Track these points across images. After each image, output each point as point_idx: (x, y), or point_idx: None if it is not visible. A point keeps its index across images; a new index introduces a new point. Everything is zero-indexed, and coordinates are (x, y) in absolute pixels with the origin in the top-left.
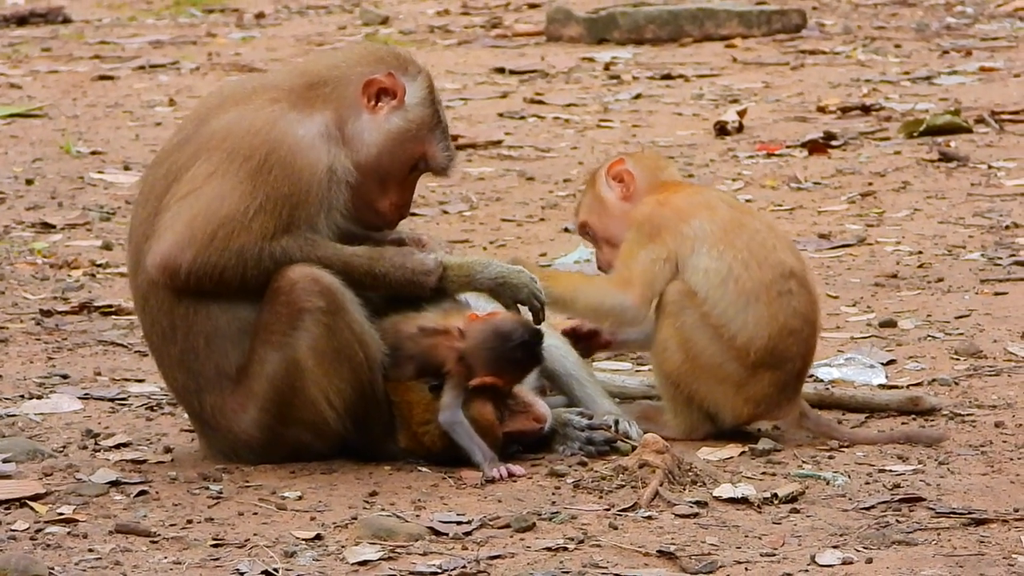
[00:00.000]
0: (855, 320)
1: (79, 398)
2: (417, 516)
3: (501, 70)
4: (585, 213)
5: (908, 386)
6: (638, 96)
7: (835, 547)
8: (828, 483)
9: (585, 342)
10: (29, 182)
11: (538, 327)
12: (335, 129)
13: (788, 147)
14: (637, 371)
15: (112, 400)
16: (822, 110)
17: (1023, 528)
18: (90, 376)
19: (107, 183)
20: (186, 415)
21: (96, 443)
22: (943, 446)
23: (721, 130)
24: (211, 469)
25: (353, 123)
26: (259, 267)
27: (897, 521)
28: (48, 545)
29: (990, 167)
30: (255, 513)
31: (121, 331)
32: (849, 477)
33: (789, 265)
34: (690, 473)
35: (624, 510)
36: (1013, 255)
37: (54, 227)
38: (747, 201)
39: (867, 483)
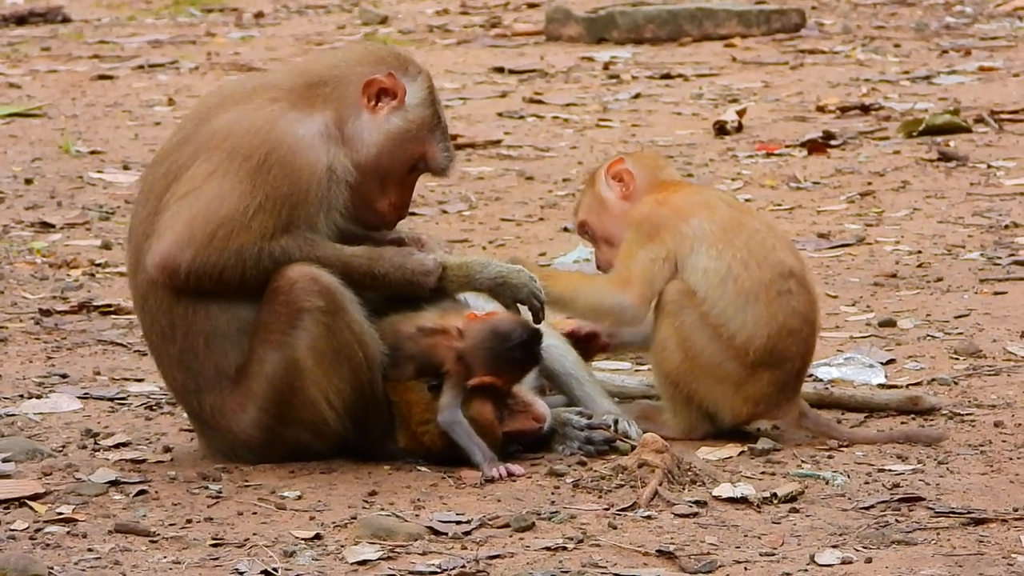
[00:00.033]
0: (854, 320)
1: (78, 398)
2: (416, 516)
3: (500, 70)
4: (584, 212)
5: (907, 386)
6: (637, 96)
7: (834, 547)
8: (827, 483)
9: (583, 345)
10: (28, 181)
11: (537, 327)
12: (335, 129)
13: (787, 147)
14: (636, 371)
15: (111, 400)
16: (821, 110)
17: (1022, 528)
18: (89, 376)
19: (106, 182)
20: (185, 415)
21: (95, 443)
22: (942, 446)
23: (720, 130)
24: (210, 469)
25: (353, 123)
26: (258, 267)
27: (896, 521)
28: (47, 545)
29: (989, 167)
30: (254, 513)
31: (120, 330)
32: (848, 477)
33: (788, 265)
34: (689, 473)
35: (623, 510)
36: (1012, 255)
37: (53, 226)
38: (746, 201)
39: (866, 483)
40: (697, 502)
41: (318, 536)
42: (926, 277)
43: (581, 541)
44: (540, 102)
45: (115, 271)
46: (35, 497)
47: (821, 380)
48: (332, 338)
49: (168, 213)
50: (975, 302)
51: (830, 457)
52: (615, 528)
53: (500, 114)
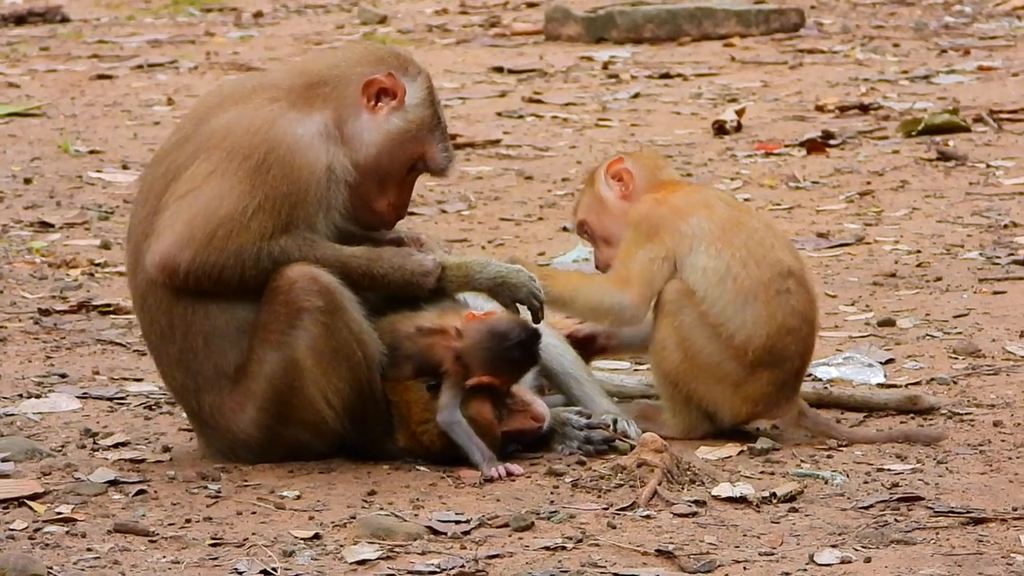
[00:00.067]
0: (853, 319)
1: (77, 397)
2: (416, 515)
3: (499, 69)
4: (583, 212)
5: (907, 385)
6: (636, 95)
7: (834, 546)
8: (827, 482)
9: (581, 347)
10: (27, 181)
11: (535, 327)
12: (334, 129)
13: (786, 146)
14: (635, 370)
15: (111, 399)
16: (820, 109)
17: (1021, 527)
18: (88, 375)
19: (105, 182)
20: (184, 414)
21: (95, 442)
22: (942, 445)
23: (719, 129)
24: (209, 468)
25: (352, 123)
26: (258, 267)
27: (896, 520)
28: (47, 544)
29: (988, 166)
30: (253, 512)
31: (119, 330)
32: (848, 476)
33: (787, 264)
34: (688, 472)
35: (622, 509)
36: (1011, 254)
37: (52, 226)
38: (745, 200)
39: (866, 482)
40: (696, 502)
41: (317, 536)
42: (925, 276)
43: (580, 541)
44: (539, 102)
45: (114, 271)
46: (34, 497)
47: (820, 380)
48: (331, 338)
49: (167, 213)
50: (974, 302)
51: (829, 457)
52: (614, 528)
53: (499, 114)
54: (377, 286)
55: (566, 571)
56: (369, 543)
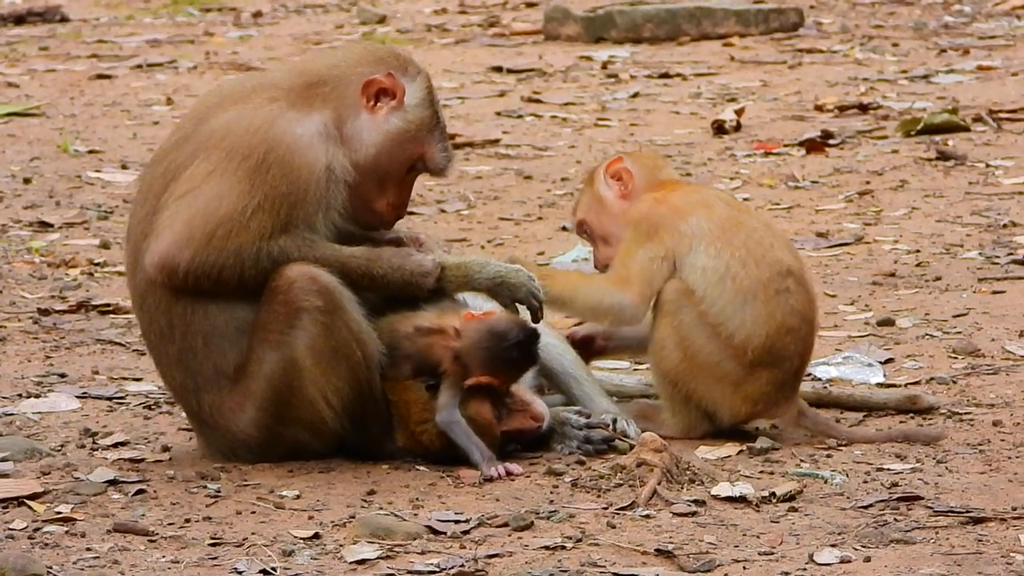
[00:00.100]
0: (853, 319)
1: (77, 397)
2: (415, 515)
3: (499, 69)
4: (583, 211)
5: (906, 385)
6: (636, 95)
7: (833, 546)
8: (826, 482)
9: (580, 348)
10: (27, 181)
11: (534, 326)
12: (334, 128)
13: (786, 146)
14: (635, 370)
15: (110, 399)
16: (820, 109)
17: (1021, 527)
18: (88, 375)
19: (105, 182)
20: (184, 414)
21: (94, 442)
22: (941, 445)
23: (719, 129)
24: (209, 468)
25: (352, 123)
26: (257, 267)
27: (895, 520)
28: (46, 544)
29: (988, 166)
30: (253, 512)
31: (119, 330)
32: (847, 476)
33: (787, 263)
34: (688, 472)
35: (622, 509)
36: (1011, 254)
37: (52, 226)
38: (745, 200)
39: (865, 482)
40: (696, 501)
41: (317, 535)
42: (924, 276)
43: (580, 540)
44: (538, 101)
45: (114, 270)
46: (34, 496)
47: (820, 379)
48: (330, 337)
49: (167, 213)
50: (973, 301)
51: (829, 456)
52: (614, 527)
53: (498, 113)
54: (376, 286)
55: (565, 571)
56: (369, 543)
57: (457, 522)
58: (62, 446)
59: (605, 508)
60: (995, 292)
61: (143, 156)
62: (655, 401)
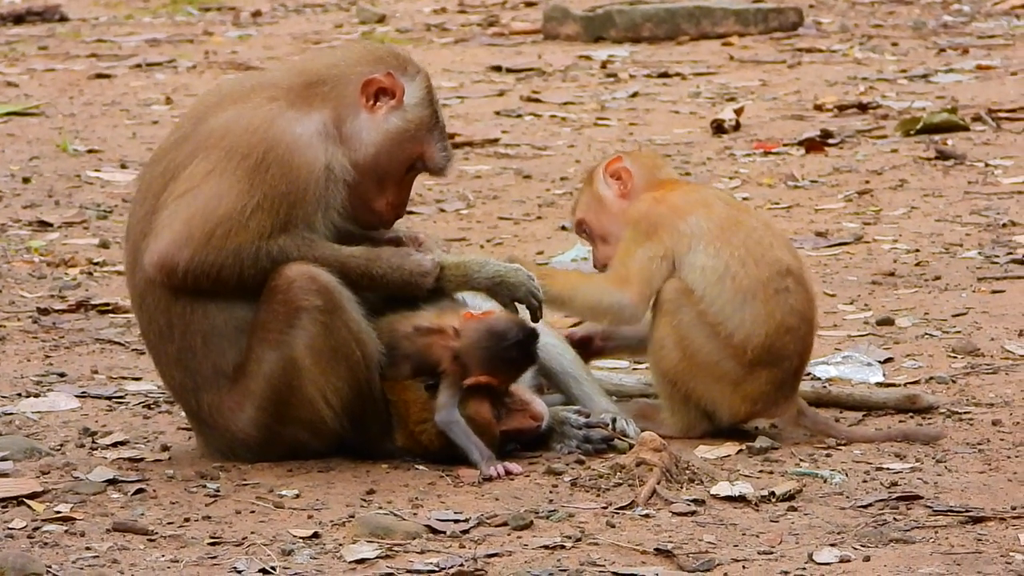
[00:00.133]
0: (852, 318)
1: (76, 396)
2: (414, 514)
3: (498, 68)
4: (582, 211)
5: (906, 384)
6: (635, 94)
7: (833, 545)
8: (825, 481)
9: (578, 349)
10: (26, 180)
11: (533, 326)
12: (333, 128)
13: (785, 145)
14: (634, 369)
15: (109, 398)
16: (819, 108)
17: (1020, 526)
18: (87, 374)
19: (104, 181)
20: (183, 413)
21: (93, 441)
22: (941, 444)
23: (718, 128)
24: (208, 467)
25: (351, 122)
26: (256, 266)
27: (895, 519)
28: (45, 543)
29: (987, 165)
30: (252, 511)
31: (118, 329)
32: (847, 475)
33: (786, 263)
34: (687, 471)
35: (621, 508)
36: (1010, 253)
37: (51, 225)
38: (744, 199)
39: (864, 481)
40: (695, 501)
41: (316, 535)
42: (924, 276)
43: (579, 540)
44: (538, 101)
45: (113, 270)
46: (33, 496)
47: (819, 378)
48: (330, 337)
49: (166, 212)
50: (973, 300)
51: (828, 456)
52: (613, 527)
53: (498, 113)
54: (376, 286)
55: (565, 570)
56: (368, 542)
57: (456, 521)
58: (61, 445)
59: (604, 507)
60: (994, 291)
61: (142, 155)
62: (654, 400)
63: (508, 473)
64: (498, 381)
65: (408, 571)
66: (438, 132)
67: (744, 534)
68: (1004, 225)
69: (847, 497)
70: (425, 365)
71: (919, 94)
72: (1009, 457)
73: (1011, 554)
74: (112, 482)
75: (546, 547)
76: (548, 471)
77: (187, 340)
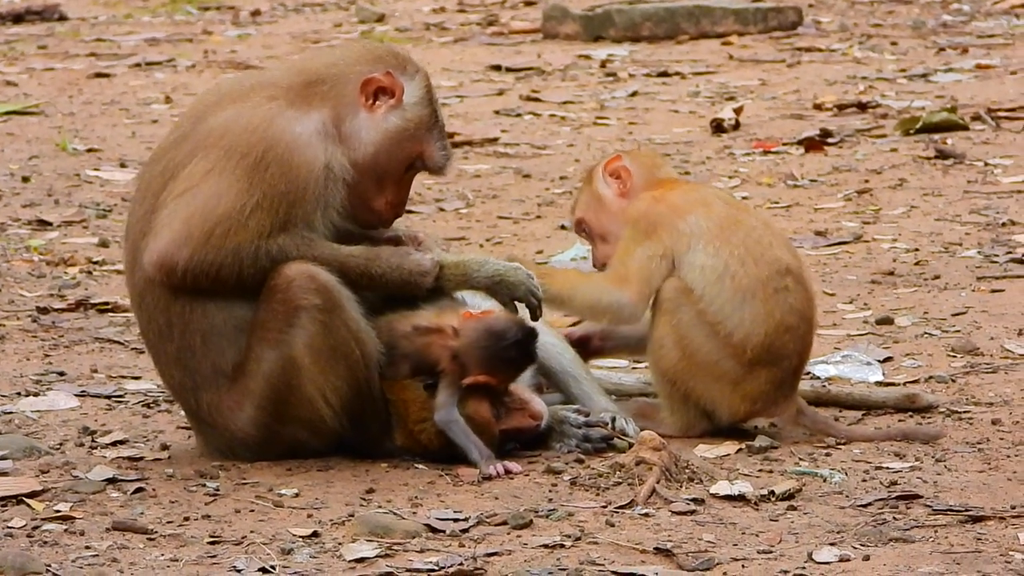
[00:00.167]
0: (852, 317)
1: (76, 395)
2: (414, 513)
3: (497, 67)
4: (581, 210)
5: (905, 383)
6: (634, 93)
7: (832, 544)
8: (825, 480)
9: (577, 348)
10: (25, 179)
11: (532, 325)
12: (332, 127)
13: (784, 144)
14: (633, 368)
15: (109, 397)
16: (818, 107)
17: (1020, 525)
18: (87, 373)
19: (103, 180)
20: (183, 412)
21: (93, 440)
22: (940, 443)
23: (717, 127)
24: (208, 466)
25: (351, 121)
26: (256, 265)
27: (894, 518)
28: (45, 542)
29: (987, 164)
30: (252, 510)
31: (118, 328)
32: (846, 474)
33: (785, 262)
34: (687, 470)
35: (621, 507)
36: (1010, 252)
37: (50, 224)
38: (743, 198)
39: (864, 480)
40: (695, 500)
41: (316, 534)
42: (923, 275)
43: (579, 539)
44: (537, 100)
45: (112, 269)
46: (32, 495)
47: (819, 378)
48: (329, 336)
49: (165, 211)
50: (972, 300)
51: (828, 455)
52: (613, 526)
53: (497, 112)
54: (375, 285)
55: (564, 569)
56: (367, 541)
57: (456, 520)
58: (61, 444)
59: (604, 506)
60: (994, 291)
61: (142, 154)
62: (654, 400)
63: (507, 472)
64: (497, 380)
65: (408, 570)
66: (437, 131)
67: (744, 533)
68: (1003, 224)
69: (847, 496)
70: (424, 364)
71: (918, 93)
72: (1009, 456)
73: (1011, 553)
74: (111, 481)
75: (546, 546)
76: (547, 470)
77: (186, 339)
